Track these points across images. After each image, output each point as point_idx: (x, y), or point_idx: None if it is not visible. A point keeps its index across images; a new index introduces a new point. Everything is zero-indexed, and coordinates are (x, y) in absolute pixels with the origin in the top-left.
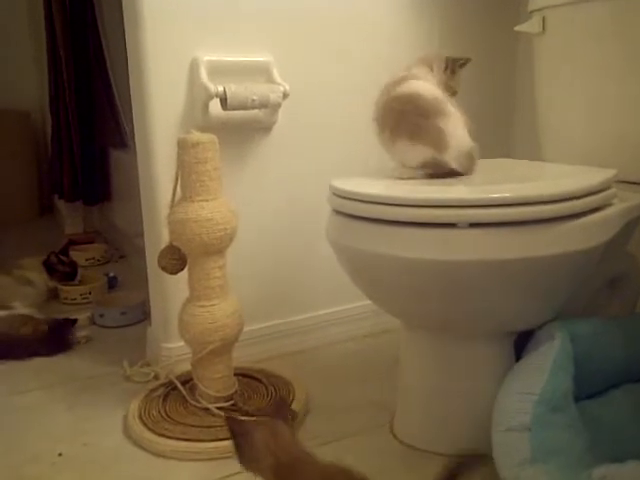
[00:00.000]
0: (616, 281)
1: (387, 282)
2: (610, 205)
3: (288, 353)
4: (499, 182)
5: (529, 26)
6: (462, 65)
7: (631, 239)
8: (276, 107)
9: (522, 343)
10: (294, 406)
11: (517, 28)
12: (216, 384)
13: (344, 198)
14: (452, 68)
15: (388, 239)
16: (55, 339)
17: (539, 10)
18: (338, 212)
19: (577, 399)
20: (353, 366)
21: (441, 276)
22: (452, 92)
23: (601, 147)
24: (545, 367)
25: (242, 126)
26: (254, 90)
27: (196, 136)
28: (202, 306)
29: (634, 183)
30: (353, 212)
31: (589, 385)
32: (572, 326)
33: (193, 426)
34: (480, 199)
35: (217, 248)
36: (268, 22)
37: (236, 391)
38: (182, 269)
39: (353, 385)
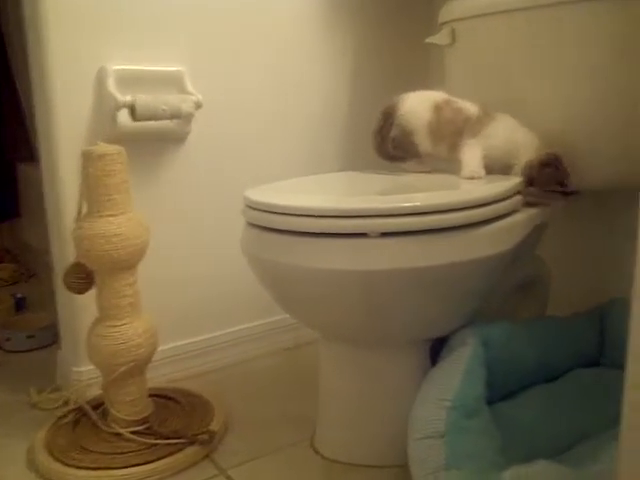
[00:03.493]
0: (527, 284)
1: (303, 295)
2: (517, 211)
3: (207, 371)
4: (412, 191)
5: (439, 38)
6: None
7: (539, 243)
8: (189, 117)
9: (438, 349)
10: (213, 426)
11: (428, 40)
12: (129, 407)
13: (257, 210)
14: None
15: (302, 251)
16: None
17: (448, 22)
18: (252, 224)
19: (491, 402)
20: (274, 381)
21: (355, 287)
22: None
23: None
24: (457, 373)
25: (154, 137)
26: (165, 100)
27: (102, 148)
28: (112, 326)
29: None
30: (266, 224)
31: (502, 387)
32: (484, 331)
33: (105, 453)
34: (390, 208)
35: (127, 264)
36: (181, 31)
37: (151, 413)
38: (89, 288)
39: (274, 401)
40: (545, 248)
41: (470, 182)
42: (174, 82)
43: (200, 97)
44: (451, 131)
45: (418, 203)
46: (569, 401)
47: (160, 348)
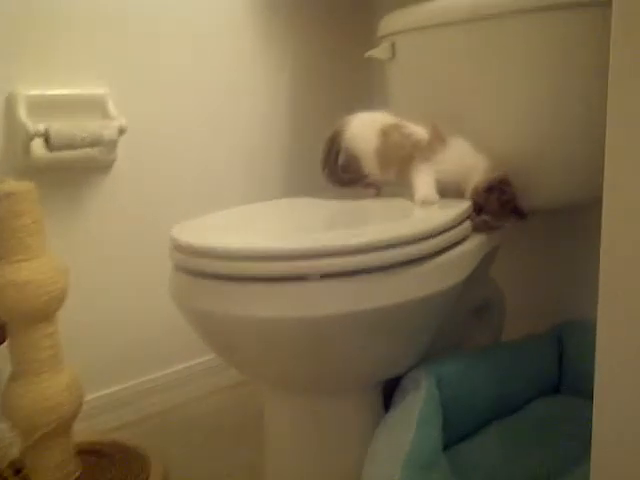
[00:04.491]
0: (481, 309)
1: (241, 345)
2: (468, 237)
3: (143, 417)
4: (350, 225)
5: (379, 52)
6: None
7: (492, 264)
8: (112, 144)
9: (390, 390)
10: None
11: (368, 54)
12: (53, 472)
13: (184, 253)
14: None
15: (235, 299)
16: None
17: (388, 36)
18: (180, 268)
19: (450, 443)
20: (217, 425)
21: (297, 335)
22: None
23: None
24: (411, 425)
25: (74, 167)
26: (83, 127)
27: (9, 185)
28: (30, 383)
29: None
30: (195, 269)
31: (460, 427)
32: (438, 369)
33: None
34: (329, 247)
35: (43, 314)
36: (103, 50)
37: (79, 475)
38: (1, 342)
39: (218, 449)
40: (497, 269)
41: (419, 207)
42: (96, 106)
43: (124, 122)
44: (400, 156)
45: (360, 240)
46: (530, 438)
47: (91, 396)
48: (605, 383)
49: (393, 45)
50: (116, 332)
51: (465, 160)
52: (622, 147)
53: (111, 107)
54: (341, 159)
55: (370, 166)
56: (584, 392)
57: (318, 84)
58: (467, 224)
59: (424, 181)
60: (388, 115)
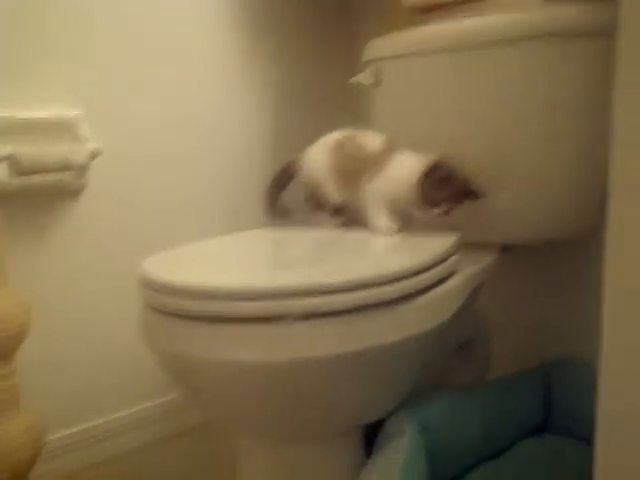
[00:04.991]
0: (466, 345)
1: (214, 390)
2: (453, 273)
3: (106, 459)
4: (331, 260)
5: (364, 77)
6: None
7: (478, 299)
8: (82, 169)
9: (372, 434)
10: None
11: (352, 80)
12: None
13: (155, 289)
14: None
15: (206, 340)
16: None
17: (373, 61)
18: (150, 305)
19: None
20: (186, 470)
21: (274, 380)
22: None
23: None
24: (395, 473)
25: (42, 193)
26: (52, 151)
27: None
28: None
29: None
30: (164, 307)
31: (446, 473)
32: (422, 412)
33: None
34: (309, 285)
35: (0, 353)
36: (75, 69)
37: None
38: None
39: None
40: (482, 301)
41: (389, 238)
42: (68, 129)
43: (98, 145)
44: (354, 169)
45: (341, 278)
46: None
47: (54, 436)
48: (608, 429)
49: (378, 71)
50: (81, 369)
51: (404, 169)
52: (628, 176)
53: (83, 130)
54: (304, 191)
55: (329, 189)
56: (572, 431)
57: (303, 106)
58: (455, 259)
59: (375, 208)
60: (349, 130)
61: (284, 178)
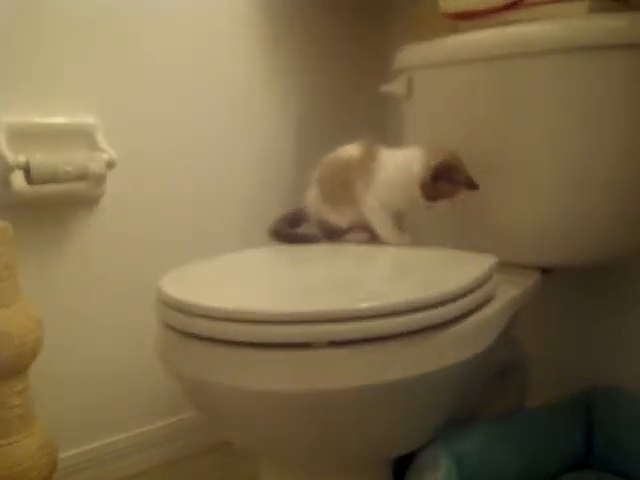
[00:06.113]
0: (504, 372)
1: (235, 417)
2: (492, 298)
3: (126, 476)
4: (359, 282)
5: (395, 87)
6: None
7: (517, 324)
8: (100, 179)
9: (403, 466)
10: None
11: (383, 89)
12: None
13: (174, 309)
14: None
15: (230, 365)
16: None
17: (404, 70)
18: (167, 325)
19: None
20: None
21: (299, 409)
22: None
23: None
24: None
25: (57, 202)
26: (68, 159)
27: None
28: None
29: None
30: (186, 328)
31: None
32: (457, 445)
33: None
34: (340, 311)
35: (13, 369)
36: (92, 76)
37: None
38: None
39: None
40: (519, 326)
41: (442, 267)
42: (84, 137)
43: (113, 154)
44: (341, 183)
45: (376, 304)
46: None
47: (67, 454)
48: None
49: (410, 80)
50: (97, 385)
51: (400, 169)
52: None
53: (100, 138)
54: (319, 230)
55: (330, 217)
56: (616, 466)
57: (328, 116)
58: (493, 283)
59: (378, 220)
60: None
61: (294, 220)
